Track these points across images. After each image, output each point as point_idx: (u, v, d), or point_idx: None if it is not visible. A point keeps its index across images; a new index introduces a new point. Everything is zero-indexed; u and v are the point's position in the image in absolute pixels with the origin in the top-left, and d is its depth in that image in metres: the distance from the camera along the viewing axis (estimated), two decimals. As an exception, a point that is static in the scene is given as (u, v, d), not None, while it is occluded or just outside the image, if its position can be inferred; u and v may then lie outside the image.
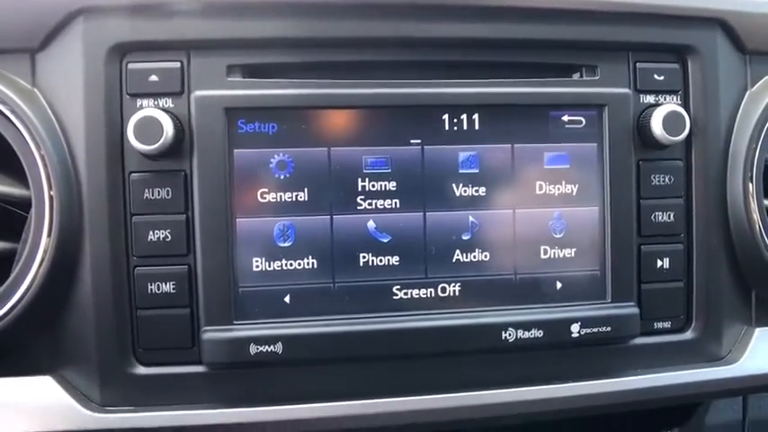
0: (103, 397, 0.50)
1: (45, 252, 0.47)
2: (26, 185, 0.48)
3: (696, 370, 0.56)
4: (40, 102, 0.49)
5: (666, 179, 0.56)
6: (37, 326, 0.49)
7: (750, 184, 0.56)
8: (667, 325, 0.56)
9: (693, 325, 0.57)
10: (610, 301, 0.53)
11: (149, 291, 0.50)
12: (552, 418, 0.58)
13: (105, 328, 0.49)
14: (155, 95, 0.50)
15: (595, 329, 0.52)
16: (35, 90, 0.50)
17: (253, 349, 0.48)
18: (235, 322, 0.49)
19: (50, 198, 0.48)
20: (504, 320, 0.51)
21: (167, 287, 0.50)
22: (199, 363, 0.50)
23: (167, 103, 0.49)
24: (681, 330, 0.57)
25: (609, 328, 0.52)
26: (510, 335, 0.51)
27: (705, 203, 0.56)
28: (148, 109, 0.48)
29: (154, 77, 0.49)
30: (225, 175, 0.49)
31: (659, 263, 0.55)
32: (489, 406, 0.53)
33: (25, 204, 0.49)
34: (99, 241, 0.49)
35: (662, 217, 0.55)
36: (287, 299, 0.50)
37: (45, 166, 0.48)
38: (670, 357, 0.56)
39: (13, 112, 0.48)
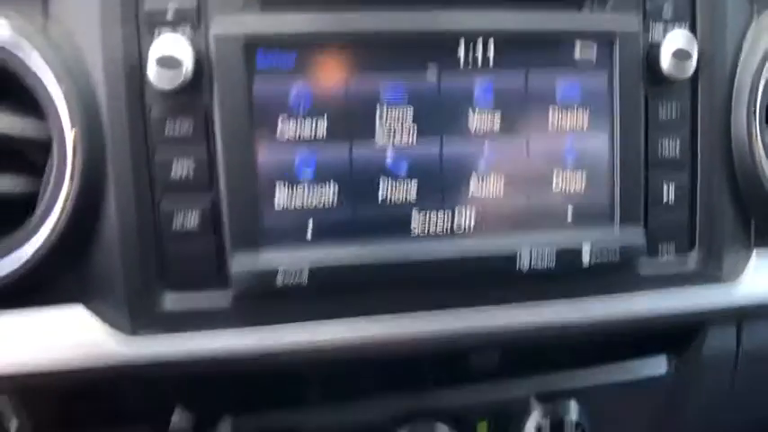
0: (133, 327, 0.51)
1: (69, 190, 0.48)
2: (40, 125, 0.48)
3: (697, 291, 0.59)
4: (56, 38, 0.49)
5: (673, 111, 0.57)
6: (64, 263, 0.51)
7: (753, 118, 0.57)
8: (672, 249, 0.59)
9: (696, 249, 0.59)
10: (618, 225, 0.55)
11: (175, 225, 0.51)
12: (557, 342, 0.61)
13: (132, 262, 0.51)
14: (172, 29, 0.49)
15: (605, 252, 0.54)
16: (49, 25, 0.49)
17: (279, 278, 0.50)
18: (260, 252, 0.51)
19: (74, 135, 0.48)
20: (518, 246, 0.53)
21: (192, 220, 0.51)
22: (225, 291, 0.52)
23: (185, 36, 0.49)
24: (684, 254, 0.59)
25: (617, 251, 0.54)
26: (523, 260, 0.53)
27: (710, 135, 0.58)
28: (166, 42, 0.47)
29: (171, 11, 0.49)
30: (245, 108, 0.49)
31: (665, 191, 0.57)
32: (500, 327, 0.56)
33: (38, 144, 0.49)
34: (123, 178, 0.50)
35: (669, 147, 0.57)
36: (309, 230, 0.52)
37: (67, 102, 0.48)
38: (673, 281, 0.59)
39: (30, 48, 0.47)
